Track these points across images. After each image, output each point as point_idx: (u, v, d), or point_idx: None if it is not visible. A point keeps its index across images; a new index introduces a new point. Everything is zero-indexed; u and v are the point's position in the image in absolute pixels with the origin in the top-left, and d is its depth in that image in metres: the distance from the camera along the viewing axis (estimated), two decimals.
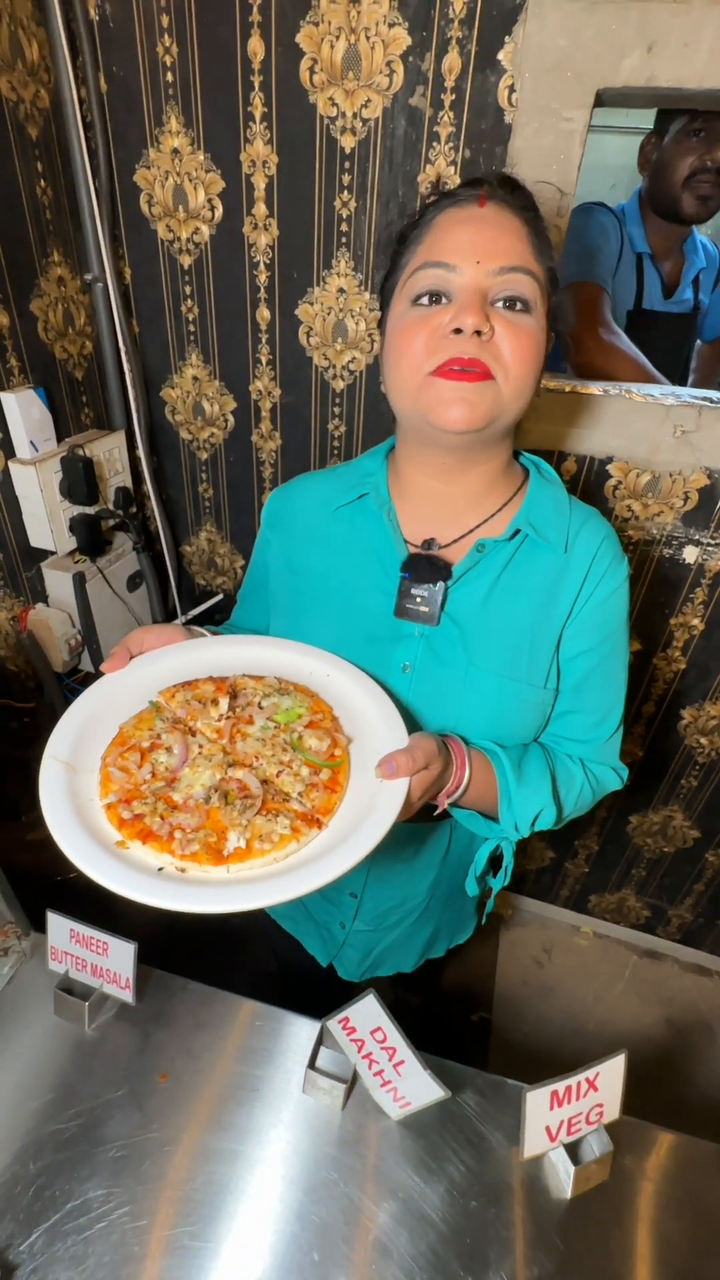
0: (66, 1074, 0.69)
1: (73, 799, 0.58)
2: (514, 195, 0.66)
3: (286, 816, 0.59)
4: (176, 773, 0.62)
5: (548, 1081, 0.60)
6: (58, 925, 0.72)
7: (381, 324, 0.73)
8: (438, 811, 0.72)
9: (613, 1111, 0.65)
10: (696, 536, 1.27)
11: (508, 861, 0.81)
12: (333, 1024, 0.67)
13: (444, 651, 0.74)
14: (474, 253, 0.62)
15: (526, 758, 0.75)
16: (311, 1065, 0.67)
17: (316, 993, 1.01)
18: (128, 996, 0.72)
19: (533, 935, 2.03)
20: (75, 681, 1.47)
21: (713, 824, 1.67)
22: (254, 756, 0.64)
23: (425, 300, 0.65)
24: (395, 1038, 0.64)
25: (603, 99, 0.98)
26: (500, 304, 0.64)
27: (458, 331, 0.62)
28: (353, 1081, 0.68)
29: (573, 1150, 0.64)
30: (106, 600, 1.41)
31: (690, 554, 1.30)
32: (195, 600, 1.68)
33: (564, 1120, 0.63)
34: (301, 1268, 0.58)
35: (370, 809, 0.59)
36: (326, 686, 0.72)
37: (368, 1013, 0.65)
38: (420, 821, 0.74)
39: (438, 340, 0.63)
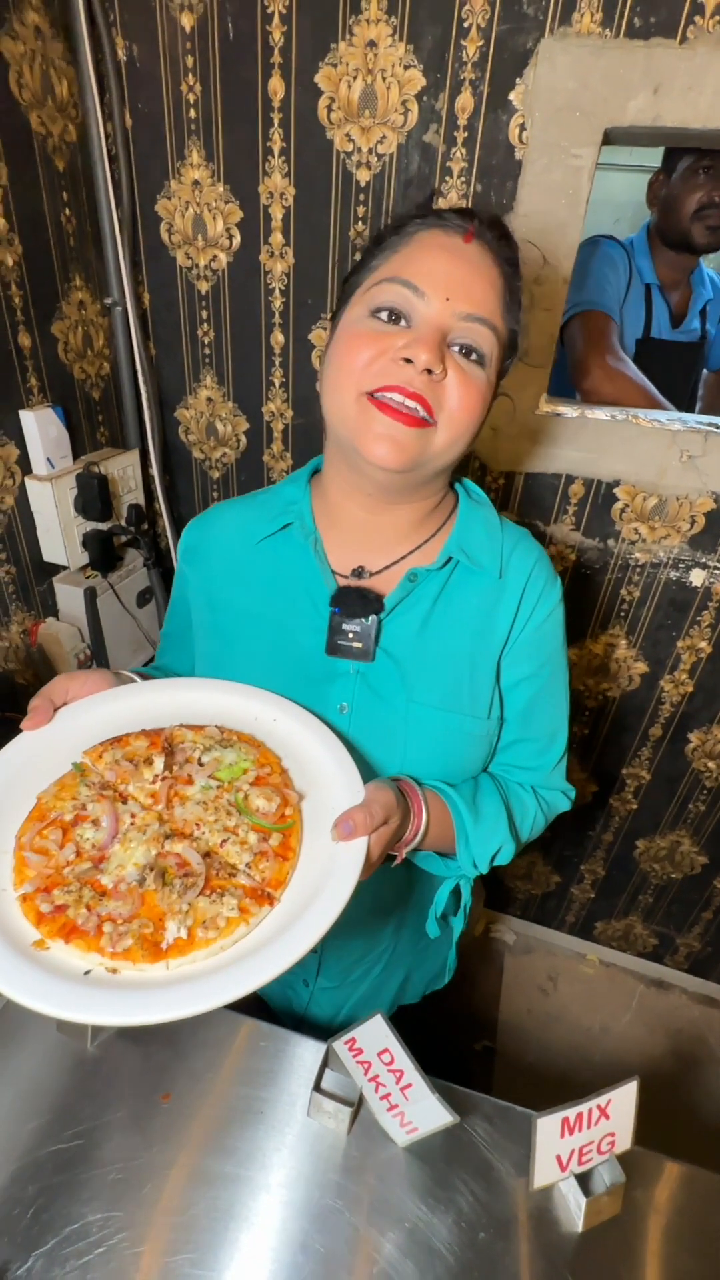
0: (67, 1093, 0.68)
1: None
2: (501, 243, 0.64)
3: (233, 894, 0.53)
4: (105, 850, 0.55)
5: (559, 1108, 0.59)
6: None
7: (335, 318, 0.69)
8: (396, 863, 0.68)
9: (625, 1141, 0.63)
10: (703, 560, 1.28)
11: (466, 900, 0.78)
12: (338, 1045, 0.66)
13: (382, 688, 0.70)
14: (447, 287, 0.60)
15: (480, 793, 0.72)
16: (316, 1087, 0.66)
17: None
18: None
19: (538, 962, 2.00)
20: None
21: None
22: (195, 824, 0.57)
23: (384, 315, 0.61)
24: (403, 1059, 0.63)
25: (610, 138, 1.01)
26: (457, 349, 0.61)
27: (408, 361, 0.59)
28: (358, 1105, 0.67)
29: (583, 1181, 0.62)
30: (116, 615, 1.42)
31: (697, 577, 1.30)
32: None
33: (575, 1149, 0.61)
34: None
35: (326, 875, 0.54)
36: (272, 732, 0.66)
37: (375, 1034, 0.64)
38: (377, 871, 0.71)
39: (385, 362, 0.60)
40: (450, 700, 0.71)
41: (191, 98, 1.13)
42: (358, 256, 1.16)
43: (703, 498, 1.22)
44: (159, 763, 0.61)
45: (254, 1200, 0.61)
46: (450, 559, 0.70)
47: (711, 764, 1.52)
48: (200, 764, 0.62)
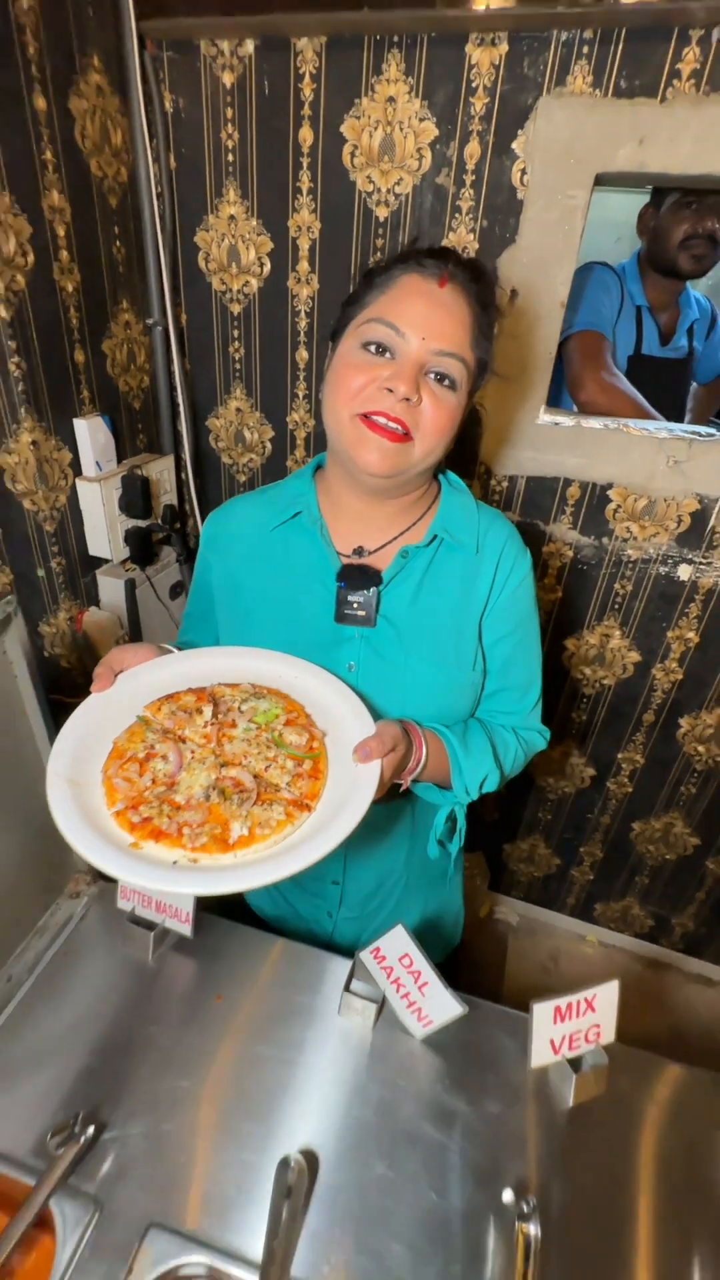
0: (135, 996, 0.80)
1: (83, 811, 0.63)
2: (474, 284, 0.74)
3: (279, 805, 0.66)
4: (174, 777, 0.68)
5: (552, 998, 0.71)
6: None
7: (334, 338, 0.80)
8: (402, 788, 0.81)
9: (609, 1034, 0.75)
10: (689, 556, 1.40)
11: (461, 824, 0.91)
12: (364, 955, 0.78)
13: (383, 648, 0.82)
14: (423, 328, 0.70)
15: (469, 732, 0.85)
16: (347, 988, 0.78)
17: None
18: (186, 930, 0.83)
19: (540, 943, 2.10)
20: None
21: (712, 831, 1.75)
22: (242, 755, 0.70)
23: (372, 349, 0.72)
24: (421, 962, 0.75)
25: (601, 180, 1.15)
26: (432, 376, 0.72)
27: (391, 390, 0.70)
28: (381, 1004, 0.78)
29: (574, 1065, 0.73)
30: (152, 605, 1.55)
31: (684, 572, 1.43)
32: None
33: (566, 1035, 0.72)
34: (340, 1154, 0.68)
35: (351, 789, 0.67)
36: (295, 686, 0.78)
37: (397, 942, 0.76)
38: (386, 801, 0.82)
39: (373, 390, 0.72)
40: (441, 656, 0.84)
41: (230, 144, 1.27)
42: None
43: (688, 499, 1.35)
44: (208, 711, 0.75)
45: (296, 1078, 0.73)
46: (436, 537, 0.83)
47: (701, 748, 1.63)
48: (240, 711, 0.75)
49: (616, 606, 1.52)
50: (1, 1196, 0.64)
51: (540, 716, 0.95)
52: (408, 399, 0.71)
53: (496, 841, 2.02)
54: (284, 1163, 0.59)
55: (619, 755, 1.72)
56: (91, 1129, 0.64)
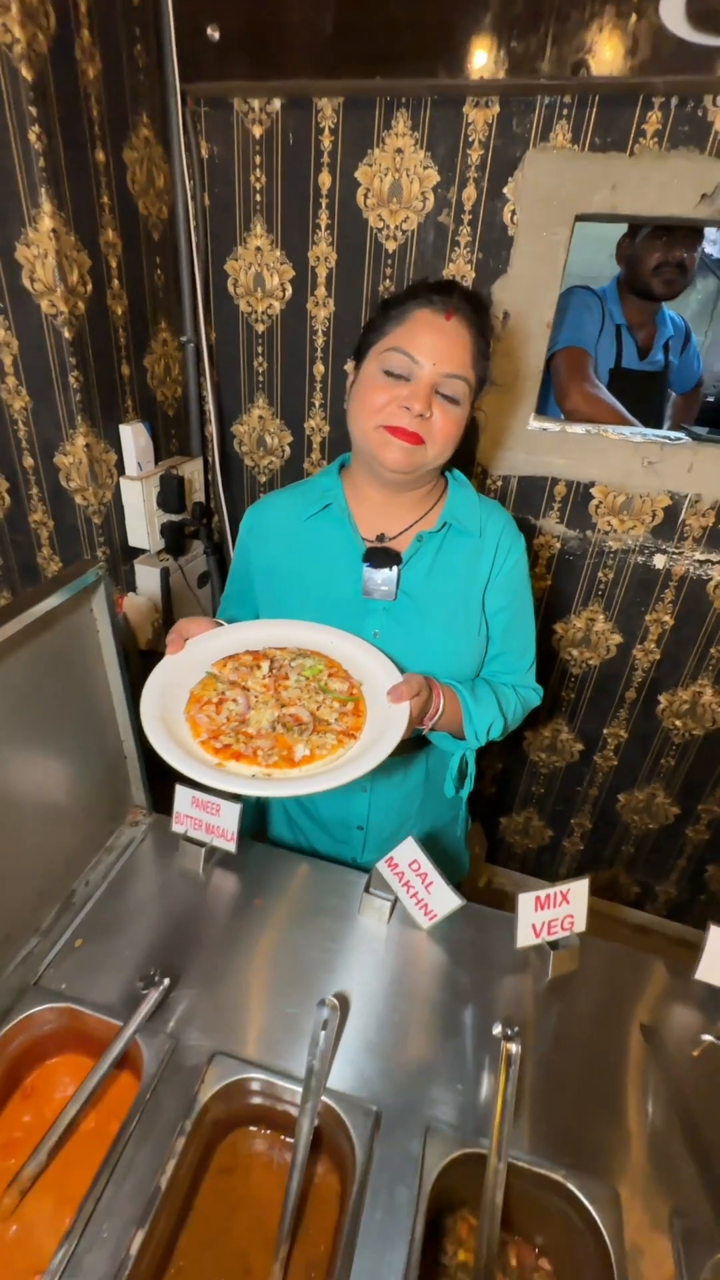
0: (187, 898, 0.96)
1: (176, 741, 0.80)
2: (474, 314, 0.89)
3: (331, 734, 0.83)
4: (245, 715, 0.85)
5: (533, 890, 0.87)
6: (183, 794, 1.00)
7: (357, 358, 0.95)
8: (425, 730, 0.97)
9: (580, 924, 0.91)
10: (664, 546, 1.58)
11: (470, 769, 1.08)
12: (380, 865, 0.94)
13: (403, 618, 0.98)
14: (433, 356, 0.86)
15: (477, 687, 1.01)
16: (366, 890, 0.94)
17: None
18: (231, 847, 0.99)
19: None
20: (153, 661, 1.78)
21: (690, 801, 1.92)
22: (296, 699, 0.87)
23: (393, 373, 0.88)
24: (427, 865, 0.91)
25: (581, 219, 1.33)
26: (441, 394, 0.89)
27: (408, 408, 0.87)
28: (394, 904, 0.95)
29: (553, 947, 0.90)
30: (182, 592, 1.72)
31: (660, 561, 1.60)
32: None
33: (545, 922, 0.89)
34: (365, 1002, 0.84)
35: (386, 724, 0.84)
36: (331, 649, 0.95)
37: (407, 851, 0.93)
38: (408, 752, 0.97)
39: (394, 407, 0.88)
40: (451, 623, 1.00)
41: (258, 186, 1.46)
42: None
43: (661, 495, 1.52)
44: (265, 666, 0.92)
45: (326, 957, 0.90)
46: (446, 524, 1.00)
47: (678, 722, 1.80)
48: (291, 667, 0.93)
49: (600, 593, 1.69)
50: (97, 1040, 0.80)
51: (535, 677, 1.12)
52: (422, 415, 0.87)
53: (494, 815, 2.19)
54: (320, 1002, 0.75)
55: (604, 730, 1.89)
56: (167, 980, 0.80)
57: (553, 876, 2.25)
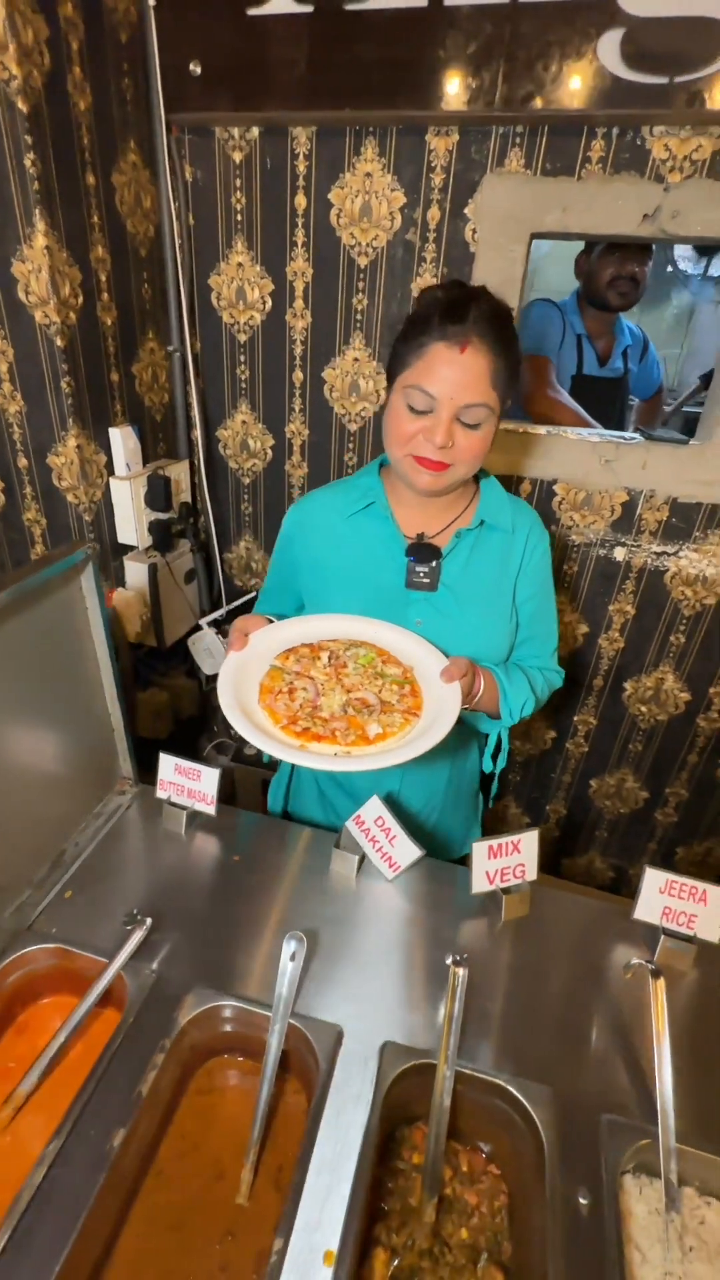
0: (170, 856, 1.04)
1: (260, 729, 0.88)
2: (493, 332, 0.90)
3: (397, 714, 0.92)
4: (316, 701, 0.94)
5: (486, 839, 0.96)
6: (167, 762, 1.08)
7: (390, 382, 0.99)
8: (469, 706, 1.03)
9: (531, 872, 0.99)
10: (623, 540, 1.68)
11: (505, 744, 1.17)
12: (349, 823, 1.02)
13: (443, 607, 1.06)
14: (450, 390, 0.90)
15: (510, 668, 1.11)
16: (336, 845, 1.02)
17: None
18: (211, 810, 1.07)
19: None
20: (141, 654, 1.86)
21: (658, 785, 2.00)
22: (358, 685, 0.96)
23: (415, 408, 0.93)
24: (391, 821, 0.99)
25: (535, 237, 1.44)
26: (462, 420, 0.93)
27: (430, 440, 0.92)
28: (362, 859, 1.03)
29: (505, 893, 0.98)
30: (169, 588, 1.81)
31: (620, 553, 1.70)
32: (233, 596, 2.08)
33: (498, 870, 0.97)
34: (333, 937, 0.92)
35: (443, 703, 0.93)
36: (379, 639, 1.03)
37: (373, 810, 1.01)
38: None
39: (419, 439, 0.93)
40: (486, 611, 1.09)
41: (239, 206, 1.57)
42: (358, 318, 1.59)
43: (619, 492, 1.62)
44: (325, 657, 1.00)
45: (297, 908, 0.97)
46: (482, 521, 1.08)
47: (644, 708, 1.89)
48: (347, 656, 1.01)
49: (566, 585, 1.78)
50: (86, 980, 0.87)
51: (557, 660, 1.21)
52: (444, 446, 0.93)
53: None
54: (289, 935, 0.83)
55: (575, 718, 1.98)
56: (149, 920, 0.88)
57: None
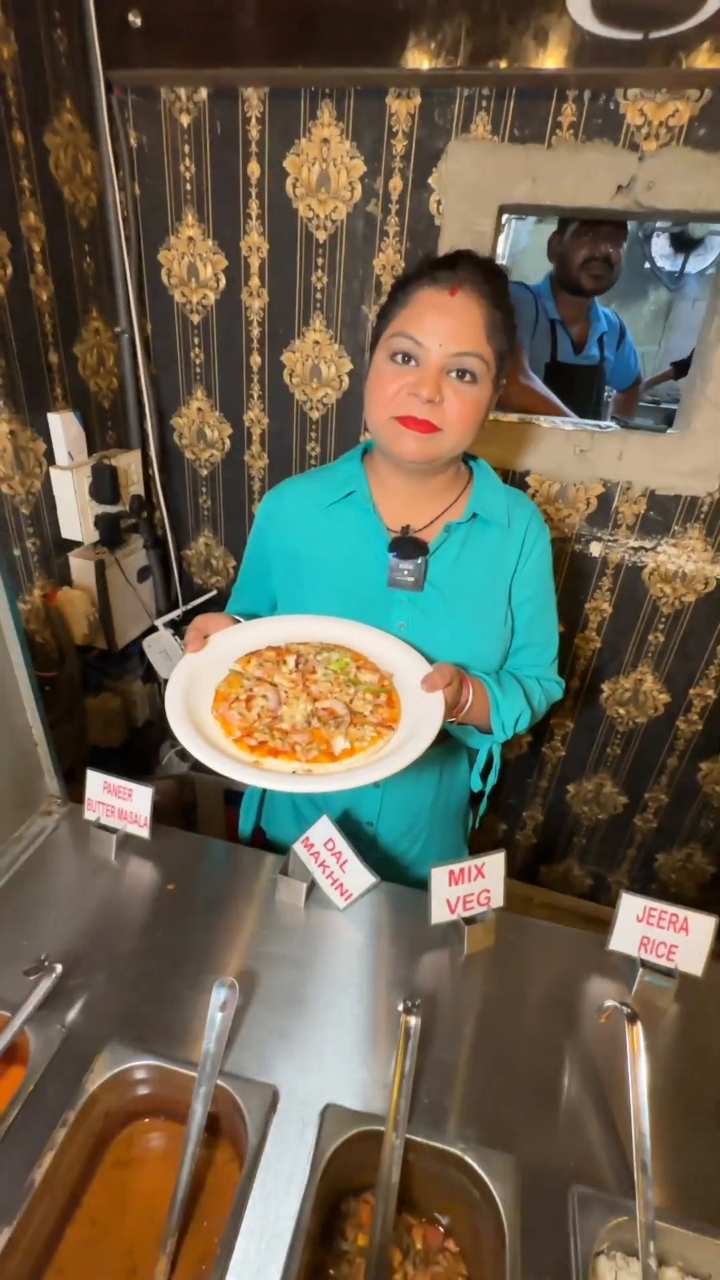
0: (98, 885, 0.93)
1: (206, 740, 0.77)
2: (485, 283, 0.82)
3: (369, 726, 0.80)
4: (277, 711, 0.82)
5: (447, 863, 0.86)
6: (94, 780, 0.97)
7: (371, 348, 0.91)
8: (455, 721, 0.92)
9: (498, 899, 0.90)
10: (599, 534, 1.60)
11: (497, 762, 1.06)
12: (297, 846, 0.92)
13: (429, 609, 0.95)
14: (438, 337, 0.81)
15: (503, 679, 0.99)
16: (282, 872, 0.92)
17: None
18: (144, 833, 0.96)
19: None
20: (91, 657, 1.73)
21: (637, 790, 1.93)
22: (327, 693, 0.84)
23: (399, 358, 0.84)
24: (342, 844, 0.89)
25: (504, 211, 1.35)
26: (453, 374, 0.83)
27: (417, 395, 0.82)
28: (311, 886, 0.92)
29: (469, 923, 0.88)
30: (120, 587, 1.69)
31: (596, 549, 1.62)
32: (192, 595, 1.96)
33: (460, 897, 0.87)
34: (270, 982, 0.81)
35: (422, 713, 0.82)
36: (355, 643, 0.92)
37: (322, 831, 0.91)
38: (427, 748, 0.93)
39: (403, 396, 0.83)
40: (477, 614, 0.98)
41: (188, 175, 1.45)
42: (318, 297, 1.48)
43: (594, 483, 1.54)
44: (291, 661, 0.89)
45: (235, 945, 0.87)
46: (474, 514, 0.96)
47: (621, 710, 1.81)
48: (317, 660, 0.89)
49: None
50: None
51: (557, 670, 1.10)
52: (432, 400, 0.82)
53: None
54: (220, 983, 0.72)
55: (551, 721, 1.89)
56: (59, 967, 0.77)
57: (508, 871, 2.24)
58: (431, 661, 0.90)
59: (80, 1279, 0.64)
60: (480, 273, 0.83)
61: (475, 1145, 0.67)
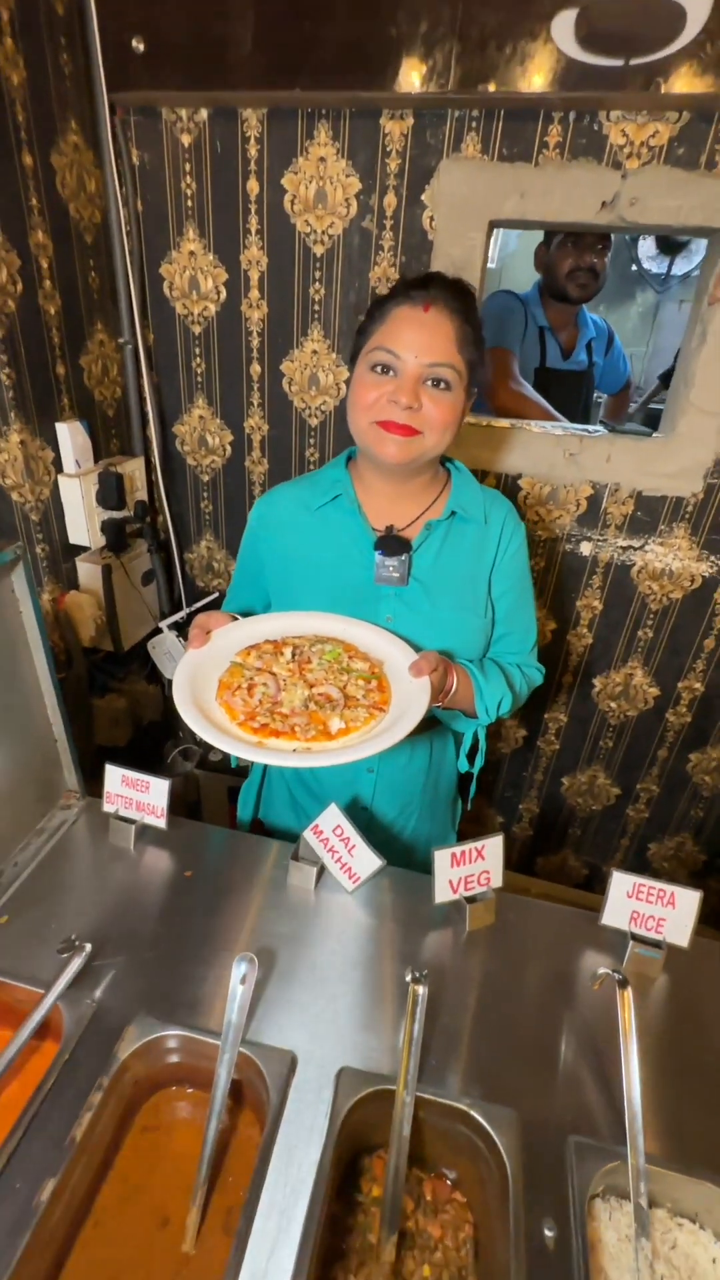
0: (118, 873, 0.98)
1: (213, 725, 0.85)
2: (455, 300, 0.91)
3: (362, 709, 0.89)
4: (277, 697, 0.90)
5: (449, 846, 0.91)
6: (113, 774, 1.02)
7: (352, 362, 1.01)
8: (441, 705, 0.99)
9: (497, 880, 0.95)
10: (589, 534, 1.66)
11: (482, 745, 1.13)
12: (307, 834, 0.97)
13: (414, 602, 1.03)
14: (414, 349, 0.90)
15: (486, 666, 1.06)
16: (294, 857, 0.97)
17: None
18: (161, 823, 1.01)
19: None
20: (98, 659, 1.78)
21: (629, 781, 1.99)
22: (323, 680, 0.92)
23: (379, 369, 0.92)
24: (350, 830, 0.95)
25: (494, 225, 1.41)
26: (429, 383, 0.92)
27: (396, 402, 0.90)
28: (320, 870, 0.98)
29: (470, 902, 0.94)
30: (126, 590, 1.74)
31: (586, 548, 1.68)
32: (195, 597, 2.01)
33: (462, 878, 0.93)
34: (290, 956, 0.87)
35: (411, 698, 0.89)
36: (347, 636, 1.00)
37: (331, 818, 0.96)
38: (416, 733, 0.97)
39: (383, 403, 0.91)
40: (459, 606, 1.04)
41: (189, 192, 1.51)
42: (316, 309, 1.54)
43: (584, 485, 1.60)
44: (288, 652, 0.96)
45: (251, 926, 0.92)
46: (453, 512, 1.03)
47: (613, 704, 1.87)
48: (312, 651, 0.96)
49: (533, 580, 1.75)
50: (19, 1011, 0.81)
51: (537, 656, 1.17)
52: (410, 407, 0.90)
53: None
54: (240, 957, 0.78)
55: (545, 715, 1.95)
56: (89, 946, 0.82)
57: (506, 863, 2.30)
58: (418, 650, 0.97)
59: (117, 1229, 0.69)
60: (451, 291, 0.92)
61: (480, 1101, 0.72)
